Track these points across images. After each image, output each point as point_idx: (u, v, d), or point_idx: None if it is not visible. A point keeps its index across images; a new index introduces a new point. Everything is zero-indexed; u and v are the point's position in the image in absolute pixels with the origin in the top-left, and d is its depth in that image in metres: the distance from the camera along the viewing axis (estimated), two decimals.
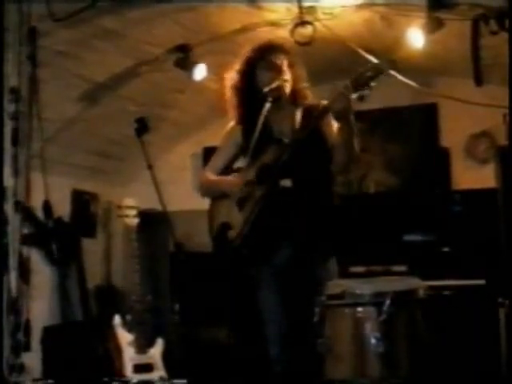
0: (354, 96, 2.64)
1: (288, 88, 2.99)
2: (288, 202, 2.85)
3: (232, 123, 3.15)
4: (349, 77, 2.68)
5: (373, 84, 2.61)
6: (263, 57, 3.01)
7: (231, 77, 3.08)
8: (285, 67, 2.99)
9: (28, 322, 4.00)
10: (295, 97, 3.04)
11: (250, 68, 3.02)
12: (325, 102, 2.83)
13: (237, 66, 3.07)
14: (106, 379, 3.76)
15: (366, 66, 2.65)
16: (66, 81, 4.22)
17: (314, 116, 2.85)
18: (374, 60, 3.90)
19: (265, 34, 4.17)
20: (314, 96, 3.10)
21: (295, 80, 3.02)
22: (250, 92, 3.01)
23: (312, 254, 2.87)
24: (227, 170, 3.15)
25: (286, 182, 2.85)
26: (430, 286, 2.73)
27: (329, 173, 2.98)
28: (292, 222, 2.86)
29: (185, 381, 3.79)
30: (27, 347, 4.00)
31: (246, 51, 3.06)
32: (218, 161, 3.18)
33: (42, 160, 4.07)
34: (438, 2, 3.63)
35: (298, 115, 3.01)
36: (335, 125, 2.87)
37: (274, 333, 2.93)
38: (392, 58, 2.65)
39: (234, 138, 3.11)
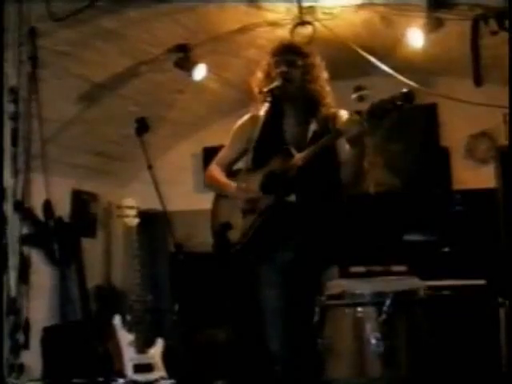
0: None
1: (293, 90, 2.92)
2: (292, 216, 2.83)
3: (246, 116, 3.09)
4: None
5: (388, 117, 2.54)
6: (274, 56, 2.98)
7: (256, 76, 3.05)
8: (294, 68, 2.93)
9: (27, 320, 4.00)
10: (310, 102, 2.97)
11: (266, 67, 3.01)
12: (339, 123, 2.77)
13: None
14: (101, 379, 3.76)
15: (384, 98, 2.56)
16: (66, 81, 4.22)
17: (326, 139, 2.77)
18: (374, 60, 3.94)
19: (265, 34, 4.19)
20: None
21: (309, 84, 2.95)
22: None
23: (314, 259, 2.86)
24: (234, 164, 3.10)
25: (291, 197, 2.84)
26: (429, 286, 2.73)
27: (337, 187, 2.92)
28: (295, 231, 2.85)
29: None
30: (26, 345, 4.00)
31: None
32: (227, 154, 3.13)
33: (43, 160, 4.06)
34: (438, 2, 3.63)
35: (313, 126, 2.93)
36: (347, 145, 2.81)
37: (274, 332, 2.93)
38: (410, 91, 2.57)
39: (247, 132, 3.00)
